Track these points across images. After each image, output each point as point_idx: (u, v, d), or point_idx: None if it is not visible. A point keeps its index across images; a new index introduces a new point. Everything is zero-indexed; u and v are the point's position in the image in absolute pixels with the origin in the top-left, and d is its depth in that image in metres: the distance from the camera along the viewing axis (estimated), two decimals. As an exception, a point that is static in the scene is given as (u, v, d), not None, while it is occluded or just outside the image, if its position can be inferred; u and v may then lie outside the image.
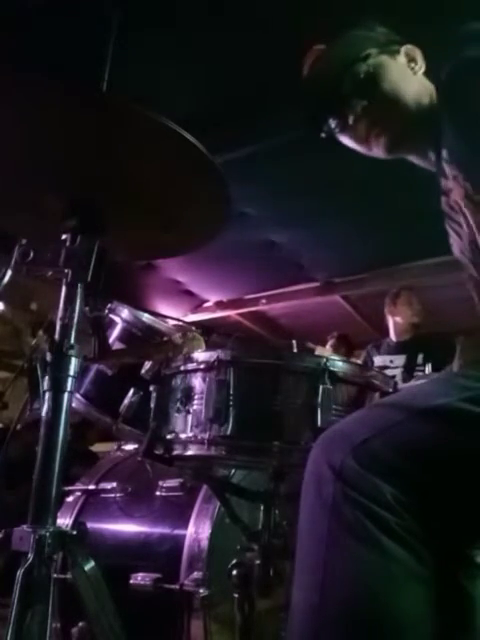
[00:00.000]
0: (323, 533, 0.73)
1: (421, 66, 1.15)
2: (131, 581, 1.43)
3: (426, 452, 0.75)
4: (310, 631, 0.71)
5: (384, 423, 0.77)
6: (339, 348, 3.88)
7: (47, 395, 0.98)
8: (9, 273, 1.06)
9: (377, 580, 0.70)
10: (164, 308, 5.12)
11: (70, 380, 0.99)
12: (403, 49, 1.16)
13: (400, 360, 3.24)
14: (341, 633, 0.70)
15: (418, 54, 1.16)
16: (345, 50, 1.15)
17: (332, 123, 1.15)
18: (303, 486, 0.79)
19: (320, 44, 1.20)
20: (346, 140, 1.18)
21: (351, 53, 1.13)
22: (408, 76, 1.14)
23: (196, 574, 1.39)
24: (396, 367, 3.22)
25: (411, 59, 1.16)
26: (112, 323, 1.53)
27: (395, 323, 3.37)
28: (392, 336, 3.40)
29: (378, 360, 3.34)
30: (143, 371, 1.38)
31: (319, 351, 2.85)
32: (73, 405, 1.34)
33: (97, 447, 2.87)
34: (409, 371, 3.12)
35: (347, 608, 0.70)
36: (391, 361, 3.27)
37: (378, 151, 1.15)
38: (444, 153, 1.00)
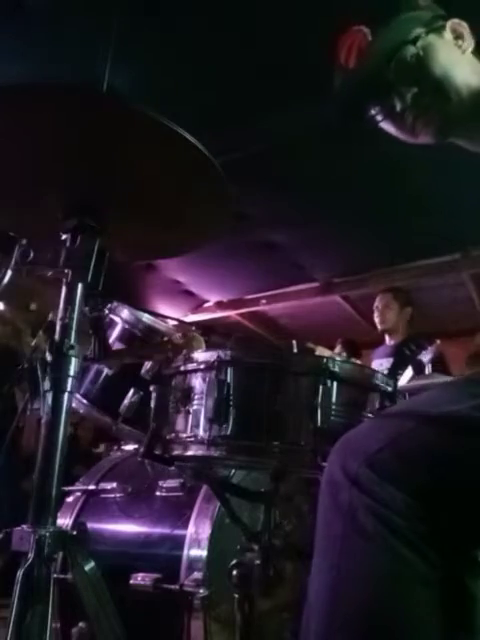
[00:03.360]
0: (337, 536, 0.75)
1: (469, 43, 1.08)
2: (131, 581, 1.43)
3: (437, 459, 0.76)
4: (324, 631, 0.73)
5: (397, 431, 0.78)
6: (343, 353, 3.89)
7: (47, 395, 0.98)
8: (9, 273, 1.06)
9: (387, 582, 0.72)
10: (164, 308, 5.12)
11: (70, 380, 0.99)
12: (449, 25, 1.09)
13: (388, 363, 3.22)
14: (353, 633, 0.71)
15: (465, 29, 1.09)
16: (391, 32, 1.08)
17: (376, 111, 1.08)
18: (320, 492, 0.80)
19: (356, 25, 1.12)
20: (388, 127, 1.12)
21: (398, 35, 1.06)
22: (457, 56, 1.08)
23: (196, 574, 1.39)
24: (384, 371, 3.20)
25: (458, 35, 1.09)
26: (112, 323, 1.53)
27: None
28: (386, 339, 3.40)
29: (374, 365, 3.33)
30: (143, 371, 1.38)
31: (319, 351, 2.86)
32: (73, 405, 1.35)
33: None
34: (391, 375, 3.08)
35: (359, 609, 0.72)
36: (381, 364, 3.25)
37: (425, 138, 1.09)
38: None
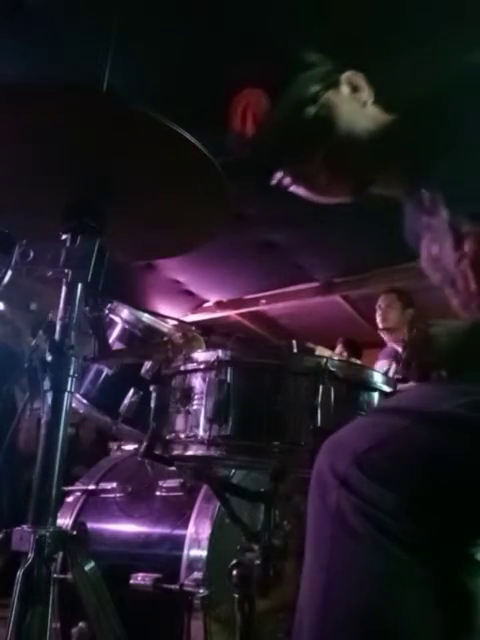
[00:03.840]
0: (327, 538, 0.75)
1: (368, 95, 1.07)
2: (131, 581, 1.43)
3: (427, 458, 0.75)
4: (316, 634, 0.72)
5: (386, 431, 0.78)
6: (343, 353, 3.90)
7: (47, 395, 0.98)
8: (9, 273, 1.06)
9: (379, 583, 0.71)
10: (164, 308, 5.12)
11: (70, 380, 0.99)
12: (344, 78, 1.06)
13: (389, 364, 3.22)
14: (345, 636, 0.71)
15: (361, 81, 1.07)
16: (288, 94, 1.04)
17: (284, 176, 1.07)
18: (309, 493, 0.80)
19: (248, 87, 1.08)
20: (299, 190, 1.10)
21: (295, 97, 1.03)
22: (357, 109, 1.05)
23: (196, 574, 1.39)
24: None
25: (355, 87, 1.07)
26: (112, 323, 1.53)
27: None
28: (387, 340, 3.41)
29: (377, 365, 3.34)
30: (143, 371, 1.38)
31: (319, 351, 2.86)
32: (73, 405, 1.35)
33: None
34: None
35: (350, 612, 0.71)
36: (383, 366, 3.26)
37: (341, 197, 1.09)
38: (425, 182, 0.93)
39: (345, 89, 1.06)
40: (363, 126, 1.04)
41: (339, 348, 3.99)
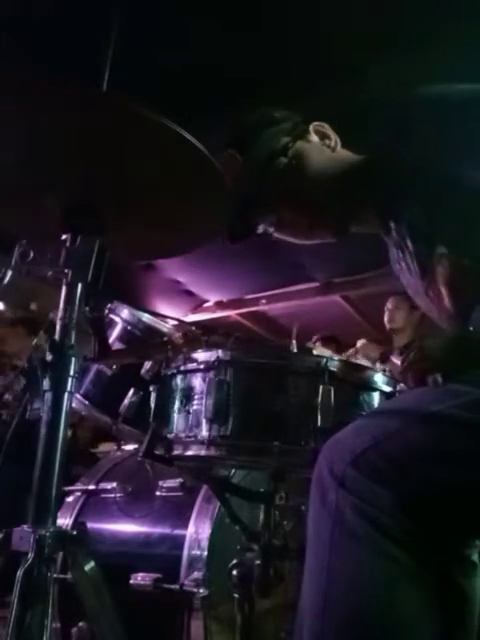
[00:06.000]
0: (327, 538, 0.76)
1: (336, 141, 1.11)
2: (131, 581, 1.43)
3: (422, 459, 0.77)
4: (316, 634, 0.73)
5: (382, 432, 0.79)
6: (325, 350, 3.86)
7: (47, 395, 0.97)
8: (9, 273, 1.06)
9: (378, 582, 0.72)
10: (164, 308, 5.12)
11: (70, 380, 0.99)
12: (311, 128, 1.12)
13: None
14: (345, 636, 0.71)
15: (328, 129, 1.12)
16: (257, 150, 1.09)
17: (265, 225, 1.12)
18: (310, 494, 0.81)
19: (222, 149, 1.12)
20: (282, 235, 1.15)
21: (265, 150, 1.08)
22: (328, 155, 1.10)
23: (196, 574, 1.39)
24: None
25: (323, 135, 1.11)
26: (112, 323, 1.52)
27: None
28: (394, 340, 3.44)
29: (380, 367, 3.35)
30: (143, 371, 1.37)
31: (319, 351, 2.86)
32: (73, 405, 1.35)
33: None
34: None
35: (350, 611, 0.72)
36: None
37: (324, 238, 1.14)
38: (398, 221, 0.98)
39: (314, 138, 1.11)
40: (335, 169, 1.08)
41: (318, 344, 3.94)
